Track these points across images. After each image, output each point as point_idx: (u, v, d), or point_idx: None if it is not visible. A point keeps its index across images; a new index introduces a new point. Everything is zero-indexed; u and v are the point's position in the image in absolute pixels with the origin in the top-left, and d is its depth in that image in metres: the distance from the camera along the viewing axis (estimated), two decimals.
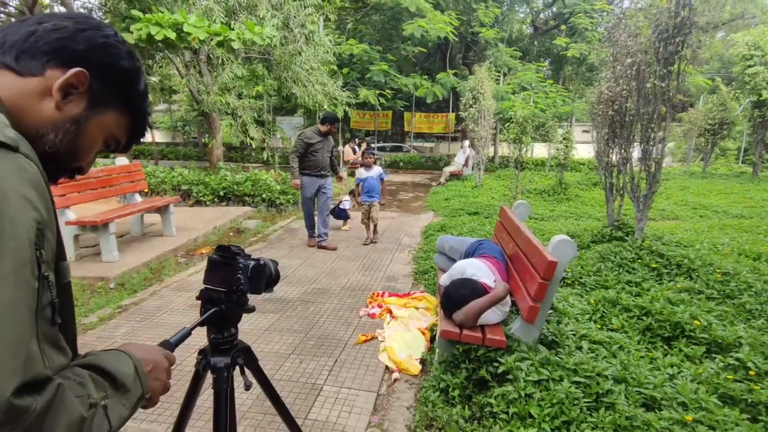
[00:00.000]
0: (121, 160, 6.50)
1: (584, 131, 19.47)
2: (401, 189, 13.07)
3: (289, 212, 8.63)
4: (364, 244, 6.42)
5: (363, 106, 16.97)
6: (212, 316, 1.09)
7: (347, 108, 13.43)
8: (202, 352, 1.18)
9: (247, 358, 1.23)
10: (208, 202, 8.94)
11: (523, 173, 9.04)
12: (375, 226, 6.54)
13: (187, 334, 1.00)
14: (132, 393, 0.74)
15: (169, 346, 0.93)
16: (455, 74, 17.45)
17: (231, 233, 7.13)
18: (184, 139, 26.55)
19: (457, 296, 2.80)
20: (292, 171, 6.04)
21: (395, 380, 2.98)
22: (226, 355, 1.15)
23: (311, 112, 13.75)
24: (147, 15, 7.90)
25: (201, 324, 1.07)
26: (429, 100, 17.35)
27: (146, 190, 9.06)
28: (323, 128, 5.97)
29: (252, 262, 1.12)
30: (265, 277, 1.15)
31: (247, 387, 1.18)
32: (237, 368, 1.19)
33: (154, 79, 13.21)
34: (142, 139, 0.88)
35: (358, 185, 6.62)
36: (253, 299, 3.82)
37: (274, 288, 1.22)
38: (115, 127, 0.80)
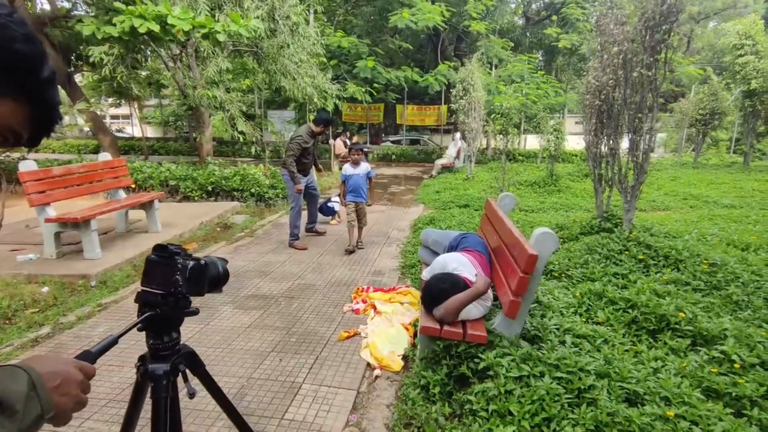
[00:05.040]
0: (104, 156, 6.38)
1: (577, 122, 19.43)
2: (393, 182, 12.99)
3: (278, 207, 8.54)
4: (348, 251, 5.63)
5: (354, 99, 16.81)
6: (147, 321, 1.01)
7: (337, 101, 13.30)
8: (141, 358, 1.11)
9: (192, 364, 1.16)
10: (196, 198, 8.83)
11: (512, 165, 8.97)
12: (361, 229, 5.89)
13: (113, 342, 0.92)
14: (22, 413, 0.66)
15: (89, 356, 0.86)
16: (453, 67, 17.31)
17: (218, 228, 7.03)
18: (176, 134, 26.27)
19: (437, 291, 2.74)
20: (293, 176, 5.68)
21: (376, 377, 2.93)
22: (167, 361, 1.08)
23: (302, 105, 13.61)
24: (130, 7, 7.73)
25: (130, 330, 0.99)
26: (432, 90, 17.15)
27: (133, 186, 8.94)
28: (317, 129, 5.82)
29: (191, 263, 1.04)
30: (208, 278, 1.08)
31: (191, 395, 1.11)
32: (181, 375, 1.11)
33: (143, 73, 13.01)
34: (50, 132, 0.79)
35: (343, 183, 5.88)
36: (235, 296, 3.74)
37: (222, 288, 1.14)
38: (13, 118, 0.72)
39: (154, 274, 1.05)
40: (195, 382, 1.27)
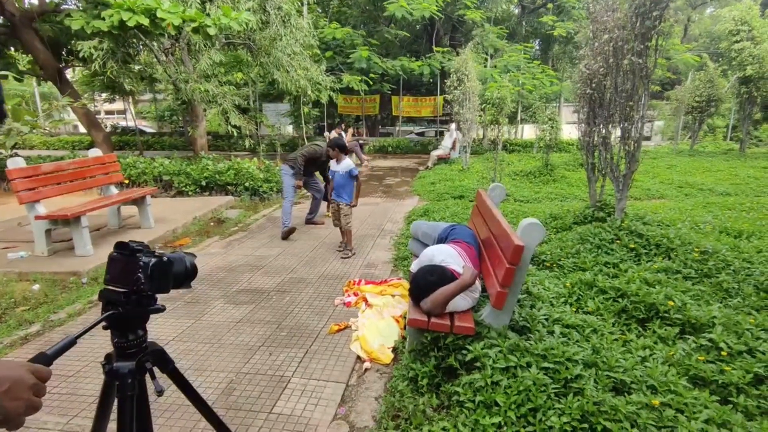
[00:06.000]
0: (95, 152, 6.33)
1: (573, 111, 19.39)
2: (388, 174, 12.96)
3: (272, 201, 8.52)
4: (339, 250, 5.46)
5: (349, 91, 16.71)
6: (110, 320, 1.00)
7: (332, 93, 13.22)
8: (107, 357, 1.10)
9: (161, 362, 1.15)
10: (190, 192, 8.80)
11: (507, 155, 8.94)
12: (347, 236, 5.35)
13: (71, 343, 0.91)
14: None
15: (45, 359, 0.84)
16: (445, 53, 17.20)
17: (212, 223, 7.01)
18: (171, 128, 26.10)
19: (425, 283, 2.73)
20: (299, 171, 6.12)
21: (366, 370, 2.93)
22: (132, 359, 1.07)
23: (297, 98, 13.53)
24: (118, 0, 7.64)
25: (91, 329, 0.98)
26: (426, 78, 17.10)
27: (126, 182, 8.90)
28: (332, 153, 5.76)
29: (153, 260, 1.02)
30: (172, 275, 1.06)
31: (159, 393, 1.10)
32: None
33: (136, 68, 12.88)
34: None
35: (330, 179, 5.71)
36: (227, 291, 3.72)
37: (191, 284, 1.13)
38: None
39: (116, 272, 1.04)
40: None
